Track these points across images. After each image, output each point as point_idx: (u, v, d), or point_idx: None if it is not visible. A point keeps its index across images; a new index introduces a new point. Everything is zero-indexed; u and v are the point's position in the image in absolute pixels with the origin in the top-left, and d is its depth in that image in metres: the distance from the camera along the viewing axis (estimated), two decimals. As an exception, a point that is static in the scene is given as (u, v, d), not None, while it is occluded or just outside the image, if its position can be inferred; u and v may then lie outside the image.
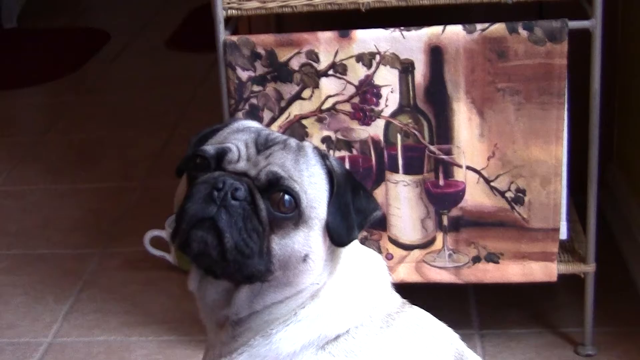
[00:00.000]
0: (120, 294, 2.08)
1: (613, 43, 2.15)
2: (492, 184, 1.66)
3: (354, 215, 1.05)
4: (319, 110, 1.65)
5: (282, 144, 1.06)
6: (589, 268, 1.72)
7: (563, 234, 1.71)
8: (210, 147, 1.06)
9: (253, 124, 1.13)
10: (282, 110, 1.66)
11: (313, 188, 1.04)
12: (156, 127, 2.97)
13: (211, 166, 1.05)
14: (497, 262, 1.70)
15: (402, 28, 1.60)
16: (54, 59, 3.68)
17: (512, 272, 1.69)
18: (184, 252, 1.05)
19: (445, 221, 1.69)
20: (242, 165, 1.04)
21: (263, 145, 1.06)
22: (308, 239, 1.03)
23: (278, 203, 1.01)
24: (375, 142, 1.66)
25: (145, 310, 2.01)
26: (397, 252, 1.71)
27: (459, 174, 1.65)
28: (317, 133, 1.66)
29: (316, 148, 1.09)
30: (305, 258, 1.03)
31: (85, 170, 2.70)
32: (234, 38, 1.64)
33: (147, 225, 2.17)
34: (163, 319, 1.97)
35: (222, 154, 1.05)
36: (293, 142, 1.07)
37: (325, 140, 1.66)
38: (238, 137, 1.07)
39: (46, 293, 2.10)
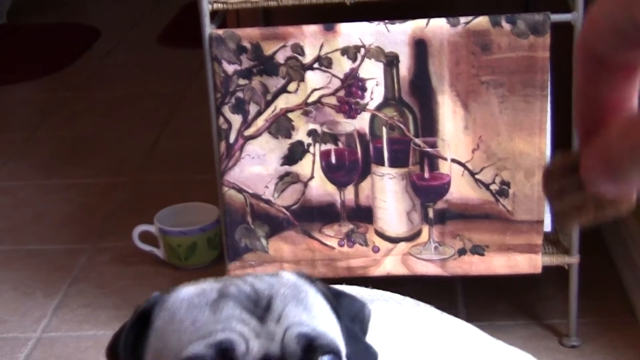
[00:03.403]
0: (110, 288, 2.08)
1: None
2: (476, 176, 1.67)
3: (358, 330, 0.89)
4: (305, 103, 1.66)
5: (278, 295, 0.84)
6: (573, 260, 1.74)
7: (547, 226, 1.72)
8: (201, 348, 0.80)
9: (198, 289, 0.85)
10: (268, 104, 1.67)
11: (331, 325, 0.86)
12: (147, 123, 2.97)
13: None
14: (482, 255, 1.71)
15: (386, 21, 1.61)
16: (44, 55, 3.68)
17: (497, 264, 1.70)
18: None
19: (430, 214, 1.70)
20: (256, 348, 0.80)
21: (260, 308, 0.83)
22: None
23: None
24: (361, 135, 1.67)
25: (135, 304, 2.00)
26: (384, 244, 1.72)
27: (444, 167, 1.66)
28: (303, 126, 1.67)
29: (298, 274, 0.90)
30: None
31: (76, 166, 2.70)
32: (220, 32, 1.64)
33: (137, 220, 2.17)
34: (152, 313, 1.97)
35: (225, 351, 0.80)
36: (284, 285, 0.86)
37: (311, 133, 1.67)
38: (226, 321, 0.81)
39: (35, 288, 2.10)
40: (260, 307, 0.83)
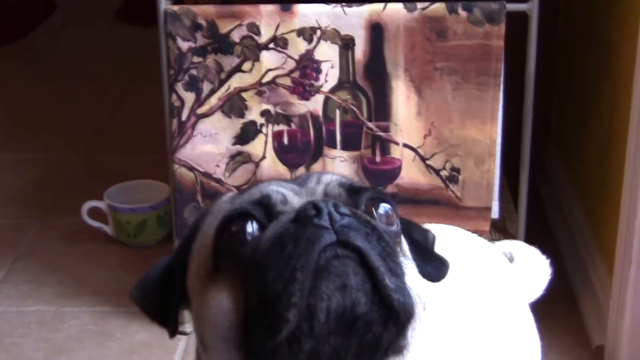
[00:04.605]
0: (56, 265, 2.06)
1: (554, 28, 2.19)
2: (427, 162, 1.68)
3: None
4: (259, 83, 1.65)
5: (317, 172, 0.81)
6: (520, 247, 1.76)
7: (495, 213, 1.74)
8: (243, 205, 0.76)
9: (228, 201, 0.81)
10: (222, 83, 1.65)
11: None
12: (101, 100, 2.93)
13: (262, 222, 0.74)
14: (430, 239, 1.72)
15: (343, 4, 1.61)
16: (-3, 27, 3.60)
17: (445, 249, 1.72)
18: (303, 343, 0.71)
19: (381, 198, 1.71)
20: (296, 201, 0.76)
21: (300, 179, 0.80)
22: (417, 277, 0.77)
23: (375, 215, 0.76)
24: (314, 117, 1.66)
25: (81, 281, 1.99)
26: (334, 227, 1.72)
27: (396, 151, 1.67)
28: (256, 106, 1.66)
29: None
30: (424, 306, 0.76)
31: (26, 142, 2.65)
32: (175, 8, 1.63)
33: (87, 198, 2.15)
34: (98, 290, 1.95)
35: (263, 201, 0.76)
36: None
37: (265, 113, 1.67)
38: (264, 187, 0.77)
39: (-21, 262, 2.07)
40: (301, 179, 0.80)
